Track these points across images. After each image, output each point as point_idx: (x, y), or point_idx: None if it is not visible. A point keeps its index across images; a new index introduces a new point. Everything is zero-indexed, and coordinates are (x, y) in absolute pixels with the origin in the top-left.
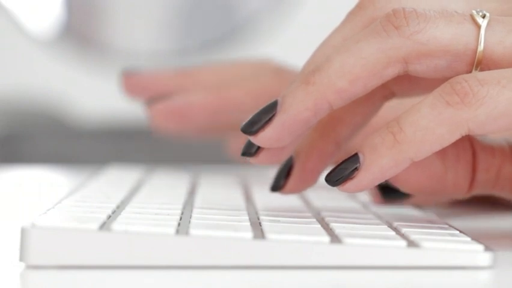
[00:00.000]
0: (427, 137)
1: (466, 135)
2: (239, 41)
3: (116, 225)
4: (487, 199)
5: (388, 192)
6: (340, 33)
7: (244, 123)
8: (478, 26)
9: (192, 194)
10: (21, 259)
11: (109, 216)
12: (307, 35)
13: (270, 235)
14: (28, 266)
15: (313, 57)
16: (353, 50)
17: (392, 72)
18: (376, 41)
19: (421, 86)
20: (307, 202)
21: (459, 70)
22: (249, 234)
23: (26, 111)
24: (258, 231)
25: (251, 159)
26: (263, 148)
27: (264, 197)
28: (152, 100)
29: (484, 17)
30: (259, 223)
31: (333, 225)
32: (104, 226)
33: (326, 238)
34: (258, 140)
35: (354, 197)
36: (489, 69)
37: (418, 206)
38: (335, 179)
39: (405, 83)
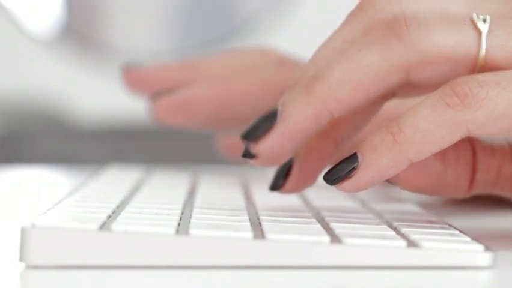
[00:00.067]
0: (427, 138)
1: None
2: (239, 41)
3: (116, 225)
4: (488, 198)
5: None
6: (340, 35)
7: (244, 130)
8: (479, 32)
9: (191, 194)
10: (21, 259)
11: (109, 216)
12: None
13: (270, 235)
14: (28, 266)
15: (313, 60)
16: (354, 59)
17: (394, 80)
18: (378, 50)
19: (422, 88)
20: (307, 202)
21: (461, 75)
22: (249, 234)
23: (26, 111)
24: (258, 231)
25: (251, 161)
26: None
27: (264, 197)
28: (155, 94)
29: (484, 21)
30: (259, 223)
31: (333, 225)
32: (104, 226)
33: (326, 238)
34: (258, 148)
35: (354, 197)
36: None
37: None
38: (333, 178)
39: (406, 85)
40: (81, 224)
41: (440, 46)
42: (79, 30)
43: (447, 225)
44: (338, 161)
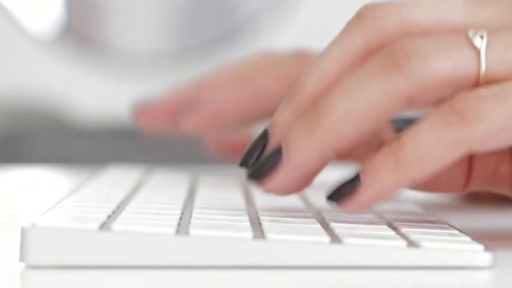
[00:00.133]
0: (428, 157)
1: None
2: (239, 41)
3: (116, 225)
4: (488, 197)
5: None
6: (339, 44)
7: (249, 171)
8: (477, 50)
9: (191, 194)
10: (21, 259)
11: (109, 216)
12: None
13: (270, 235)
14: (28, 266)
15: (310, 72)
16: (355, 94)
17: (396, 110)
18: (378, 82)
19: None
20: (307, 202)
21: None
22: (249, 234)
23: (26, 111)
24: (258, 231)
25: (249, 170)
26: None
27: (264, 197)
28: (179, 113)
29: (481, 37)
30: (259, 223)
31: (333, 225)
32: (104, 226)
33: (326, 238)
34: (265, 188)
35: None
36: None
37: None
38: (336, 198)
39: (409, 107)
40: (81, 224)
41: (440, 72)
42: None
43: (447, 225)
44: (340, 181)
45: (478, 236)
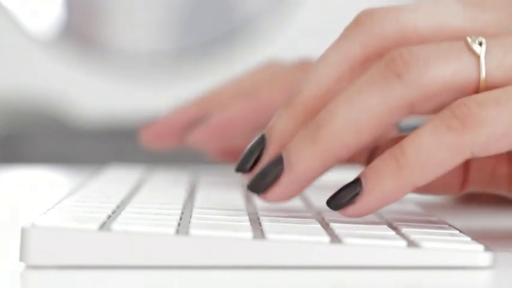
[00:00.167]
0: (430, 162)
1: None
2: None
3: (116, 225)
4: (488, 198)
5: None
6: (337, 50)
7: (249, 181)
8: (477, 55)
9: (191, 194)
10: (21, 259)
11: (109, 216)
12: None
13: (270, 235)
14: (28, 266)
15: (308, 79)
16: (356, 103)
17: (397, 118)
18: (378, 91)
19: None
20: (307, 202)
21: None
22: (249, 234)
23: (26, 111)
24: (258, 231)
25: (246, 176)
26: (258, 165)
27: None
28: (189, 128)
29: (480, 43)
30: (259, 223)
31: (333, 225)
32: (104, 226)
33: (326, 238)
34: (266, 198)
35: None
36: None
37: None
38: (337, 203)
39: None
40: (81, 224)
41: (440, 79)
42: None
43: (447, 225)
44: (342, 187)
45: (478, 236)
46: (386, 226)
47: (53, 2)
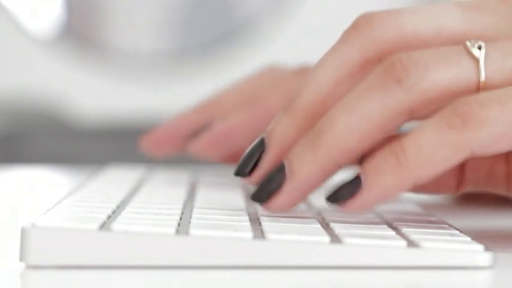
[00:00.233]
0: (430, 160)
1: None
2: (239, 41)
3: (116, 225)
4: (488, 197)
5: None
6: (335, 55)
7: (252, 192)
8: (476, 59)
9: (191, 194)
10: (21, 259)
11: (109, 216)
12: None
13: (270, 235)
14: (28, 266)
15: (308, 83)
16: (356, 109)
17: (398, 123)
18: (378, 97)
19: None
20: (307, 202)
21: None
22: (249, 234)
23: (26, 111)
24: (258, 231)
25: (245, 180)
26: (257, 168)
27: None
28: (189, 136)
29: (479, 47)
30: (259, 223)
31: (333, 225)
32: (104, 226)
33: (326, 238)
34: (270, 208)
35: None
36: None
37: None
38: (337, 199)
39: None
40: (81, 224)
41: (440, 83)
42: (79, 30)
43: (447, 225)
44: (341, 183)
45: (478, 236)
46: (386, 226)
47: (53, 2)
